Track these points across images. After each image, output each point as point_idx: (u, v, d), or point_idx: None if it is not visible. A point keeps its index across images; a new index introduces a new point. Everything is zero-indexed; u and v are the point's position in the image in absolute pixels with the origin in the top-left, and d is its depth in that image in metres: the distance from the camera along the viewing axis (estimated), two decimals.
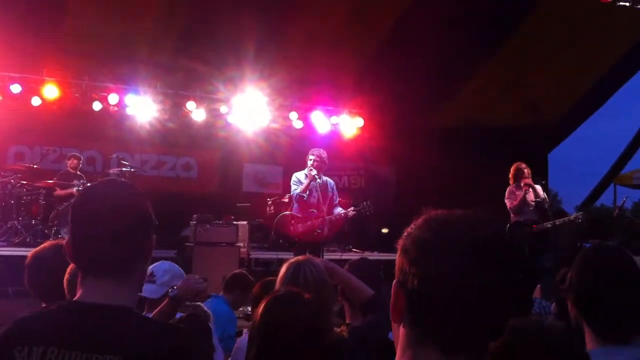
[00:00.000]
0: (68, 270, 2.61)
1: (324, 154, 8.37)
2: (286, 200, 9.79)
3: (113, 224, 1.70)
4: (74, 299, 1.71)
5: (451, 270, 1.21)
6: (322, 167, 8.33)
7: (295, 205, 8.50)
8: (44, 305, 2.71)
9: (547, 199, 9.50)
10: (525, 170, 9.42)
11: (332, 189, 8.45)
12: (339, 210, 8.40)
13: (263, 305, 2.44)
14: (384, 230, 10.17)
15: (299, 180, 8.40)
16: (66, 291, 2.62)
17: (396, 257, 1.32)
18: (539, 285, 5.86)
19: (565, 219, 9.26)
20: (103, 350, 1.58)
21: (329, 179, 8.41)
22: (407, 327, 1.28)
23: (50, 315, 1.69)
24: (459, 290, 1.21)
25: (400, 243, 1.31)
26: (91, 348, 1.58)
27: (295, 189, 8.37)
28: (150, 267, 3.92)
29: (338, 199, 8.56)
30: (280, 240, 8.94)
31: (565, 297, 2.61)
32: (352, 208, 8.53)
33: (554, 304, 4.78)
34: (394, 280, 1.30)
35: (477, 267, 1.21)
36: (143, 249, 1.78)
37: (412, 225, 1.31)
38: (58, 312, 1.69)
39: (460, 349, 1.23)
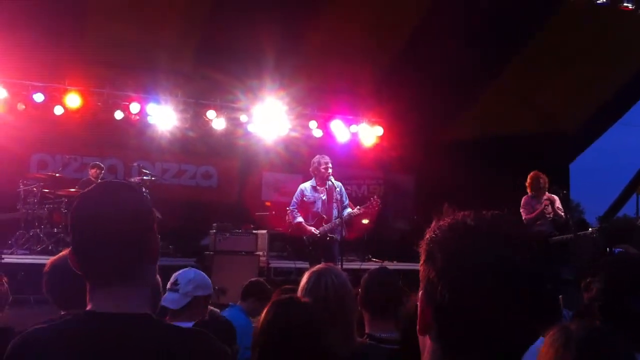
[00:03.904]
0: None
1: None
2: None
3: (114, 228, 1.65)
4: (87, 309, 1.66)
5: (485, 285, 1.14)
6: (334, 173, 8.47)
7: (299, 214, 8.54)
8: (62, 313, 2.72)
9: (565, 212, 9.38)
10: (542, 180, 9.31)
11: (341, 191, 8.46)
12: (348, 211, 8.41)
13: (264, 311, 2.46)
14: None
15: (303, 193, 8.47)
16: None
17: (420, 262, 1.24)
18: (560, 295, 5.80)
19: (580, 233, 9.15)
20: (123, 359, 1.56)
21: (336, 183, 8.43)
22: (435, 341, 1.21)
23: (65, 326, 1.65)
24: (493, 306, 1.14)
25: (423, 247, 1.23)
26: (111, 358, 1.56)
27: (294, 204, 8.51)
28: (175, 274, 3.88)
29: (347, 201, 8.57)
30: (296, 252, 8.97)
31: (591, 306, 2.59)
32: (358, 207, 8.53)
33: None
34: (420, 291, 1.23)
35: (512, 282, 1.14)
36: (149, 250, 1.72)
37: (436, 228, 1.23)
38: (73, 323, 1.66)
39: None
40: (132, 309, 1.64)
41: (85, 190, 1.81)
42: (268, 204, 12.28)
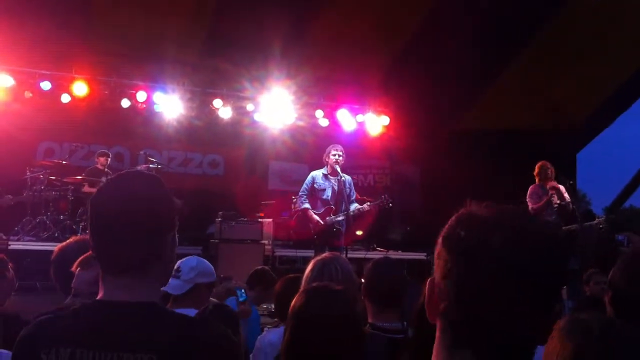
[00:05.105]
0: None
1: (343, 150, 8.51)
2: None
3: (130, 219, 1.65)
4: (97, 298, 1.67)
5: (484, 277, 1.17)
6: (344, 163, 8.45)
7: (307, 201, 8.55)
8: (68, 299, 2.74)
9: (572, 201, 9.37)
10: (549, 170, 9.33)
11: (350, 185, 8.48)
12: (356, 205, 8.42)
13: (296, 296, 2.44)
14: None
15: (314, 180, 8.48)
16: None
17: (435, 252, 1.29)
18: (565, 286, 5.81)
19: (586, 224, 9.14)
20: (132, 348, 1.56)
21: (346, 176, 8.46)
22: (442, 329, 1.26)
23: (75, 315, 1.65)
24: (490, 299, 1.17)
25: (438, 239, 1.27)
26: (120, 347, 1.56)
27: (305, 190, 8.52)
28: (178, 262, 3.90)
29: (355, 196, 8.59)
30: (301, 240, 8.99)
31: (603, 295, 2.59)
32: (368, 203, 8.54)
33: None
34: (430, 277, 1.28)
35: (511, 278, 1.16)
36: (162, 245, 1.72)
37: (450, 221, 1.27)
38: (83, 312, 1.66)
39: (493, 353, 1.20)
40: (140, 297, 1.65)
41: (111, 177, 1.82)
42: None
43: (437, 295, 1.25)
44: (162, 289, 3.65)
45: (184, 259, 3.92)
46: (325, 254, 3.36)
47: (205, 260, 4.04)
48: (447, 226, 1.27)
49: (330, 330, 2.28)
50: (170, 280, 3.75)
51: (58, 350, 1.57)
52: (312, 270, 3.14)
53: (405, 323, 3.19)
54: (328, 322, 2.30)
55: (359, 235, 10.18)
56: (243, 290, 4.75)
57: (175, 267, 3.83)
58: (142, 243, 1.68)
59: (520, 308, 1.17)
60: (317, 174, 8.56)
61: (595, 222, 9.30)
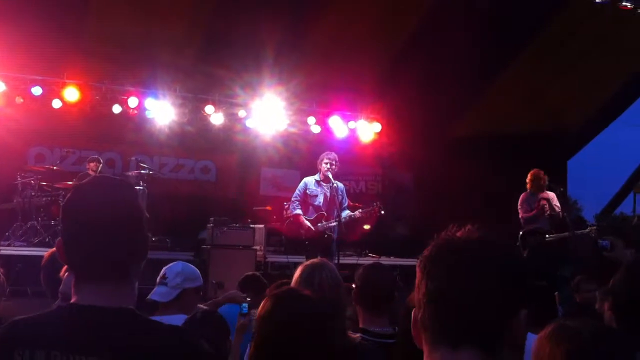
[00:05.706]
0: None
1: (337, 158, 8.53)
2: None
3: (103, 224, 1.64)
4: (71, 301, 1.66)
5: (483, 286, 1.30)
6: (337, 171, 8.47)
7: (299, 207, 8.59)
8: (56, 303, 2.73)
9: (563, 209, 9.40)
10: (542, 180, 9.35)
11: (342, 192, 8.53)
12: (348, 212, 8.46)
13: (262, 304, 2.43)
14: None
15: (306, 186, 8.52)
16: None
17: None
18: (556, 293, 5.83)
19: (578, 232, 9.17)
20: (105, 354, 1.55)
21: (339, 183, 8.51)
22: (423, 332, 1.34)
23: (50, 318, 1.65)
24: (453, 307, 1.29)
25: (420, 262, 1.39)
26: (94, 351, 1.56)
27: (297, 196, 8.57)
28: (164, 268, 3.89)
29: (347, 203, 8.62)
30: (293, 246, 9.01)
31: (603, 301, 2.60)
32: (359, 210, 8.58)
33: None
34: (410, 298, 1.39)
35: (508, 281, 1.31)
36: (137, 249, 1.72)
37: (433, 245, 1.38)
38: (58, 314, 1.66)
39: (466, 342, 1.28)
40: (115, 303, 1.64)
41: (80, 183, 1.81)
42: (269, 207, 12.23)
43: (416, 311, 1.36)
44: (150, 297, 3.65)
45: (169, 265, 3.88)
46: (314, 259, 3.36)
47: (191, 265, 4.02)
48: (430, 248, 1.38)
49: (295, 335, 2.26)
50: (156, 287, 3.75)
51: (33, 352, 1.57)
52: (300, 275, 3.14)
53: (396, 327, 3.20)
54: (292, 327, 2.28)
55: (365, 230, 10.26)
56: (247, 305, 4.70)
57: (161, 273, 3.82)
58: (122, 244, 1.67)
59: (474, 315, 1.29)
60: (310, 180, 8.61)
61: (587, 230, 9.31)
